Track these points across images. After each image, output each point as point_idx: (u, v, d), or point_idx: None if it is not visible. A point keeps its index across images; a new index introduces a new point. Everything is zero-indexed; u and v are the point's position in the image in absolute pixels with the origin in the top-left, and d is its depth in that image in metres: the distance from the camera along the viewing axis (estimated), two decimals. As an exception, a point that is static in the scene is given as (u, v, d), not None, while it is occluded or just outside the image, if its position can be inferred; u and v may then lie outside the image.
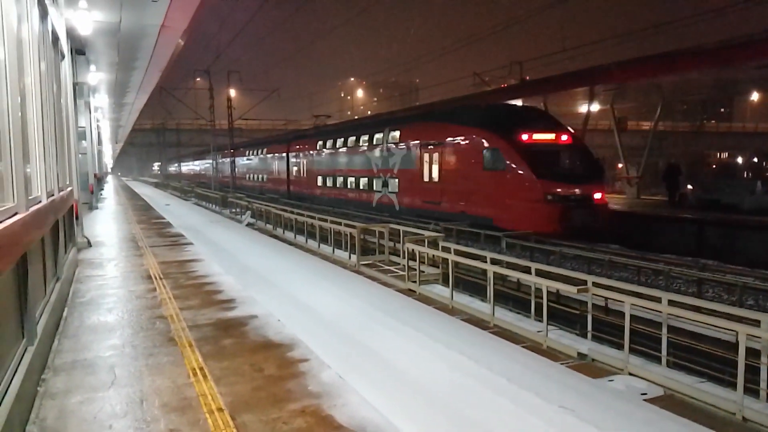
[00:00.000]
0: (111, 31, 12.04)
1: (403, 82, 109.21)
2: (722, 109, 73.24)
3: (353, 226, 14.71)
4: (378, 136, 23.72)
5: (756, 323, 6.08)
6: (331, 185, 28.46)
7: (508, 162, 16.04)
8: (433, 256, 12.00)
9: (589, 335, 8.00)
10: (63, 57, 10.21)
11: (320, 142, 30.00)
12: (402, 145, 21.53)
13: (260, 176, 41.87)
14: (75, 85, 13.69)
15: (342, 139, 27.47)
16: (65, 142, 9.84)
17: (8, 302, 4.27)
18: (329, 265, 14.15)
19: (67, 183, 9.76)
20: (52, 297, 6.48)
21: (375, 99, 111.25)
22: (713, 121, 65.28)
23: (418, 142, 20.43)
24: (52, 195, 6.92)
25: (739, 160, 53.78)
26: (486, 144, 16.86)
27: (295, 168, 34.07)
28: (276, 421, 4.16)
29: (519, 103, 28.22)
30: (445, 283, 10.98)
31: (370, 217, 21.49)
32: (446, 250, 11.48)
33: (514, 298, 10.93)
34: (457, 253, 11.27)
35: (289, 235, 19.86)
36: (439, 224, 16.57)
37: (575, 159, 16.55)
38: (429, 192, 19.58)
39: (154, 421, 4.15)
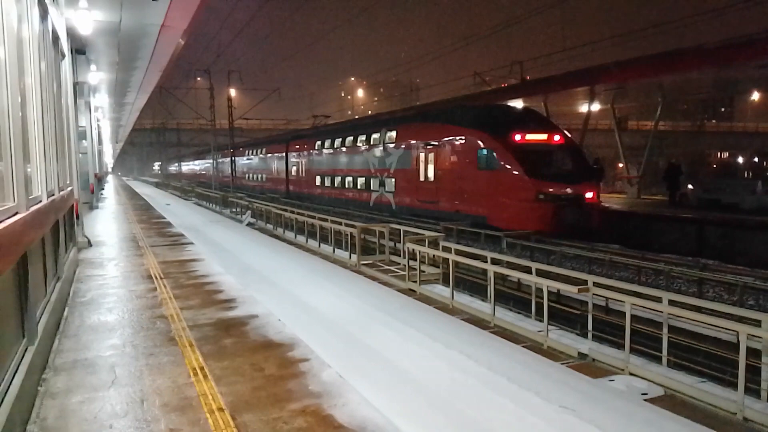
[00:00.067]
0: (111, 31, 12.04)
1: (403, 82, 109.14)
2: (723, 109, 73.19)
3: (353, 226, 14.71)
4: (375, 136, 23.94)
5: (757, 323, 6.08)
6: (329, 185, 28.66)
7: (501, 162, 16.35)
8: (434, 255, 12.00)
9: (590, 335, 8.00)
10: (63, 57, 10.21)
11: (318, 142, 30.17)
12: (398, 146, 21.79)
13: (259, 176, 41.93)
14: (75, 84, 13.69)
15: (340, 139, 27.68)
16: (66, 142, 9.84)
17: (9, 302, 4.27)
18: (329, 265, 14.15)
19: (68, 182, 9.76)
20: (53, 296, 6.48)
21: (375, 99, 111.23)
22: (714, 121, 65.25)
23: (414, 142, 20.71)
24: (53, 195, 6.93)
25: (740, 159, 53.76)
26: (480, 144, 17.15)
27: (293, 168, 34.23)
28: (276, 420, 4.16)
29: (520, 102, 28.22)
30: (446, 282, 10.98)
31: (369, 216, 21.55)
32: (447, 249, 11.48)
33: (514, 297, 10.94)
34: (458, 252, 11.28)
35: (290, 234, 19.87)
36: (440, 224, 16.63)
37: (567, 159, 16.86)
38: (425, 191, 19.85)
39: (155, 421, 4.15)
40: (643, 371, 6.91)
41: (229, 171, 44.27)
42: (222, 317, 6.98)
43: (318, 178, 29.96)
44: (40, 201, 5.80)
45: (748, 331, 5.91)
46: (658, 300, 7.08)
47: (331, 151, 28.48)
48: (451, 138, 18.52)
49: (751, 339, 5.96)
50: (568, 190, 15.72)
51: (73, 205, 10.65)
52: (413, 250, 11.61)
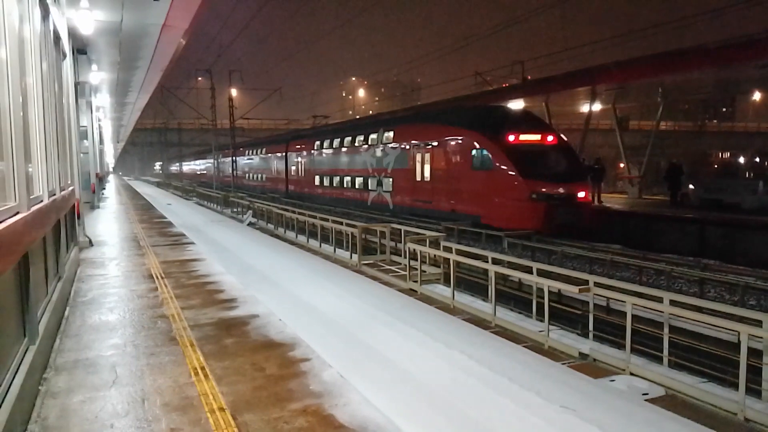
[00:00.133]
0: (113, 31, 12.04)
1: (404, 82, 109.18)
2: (724, 109, 73.09)
3: (354, 226, 14.71)
4: (373, 136, 24.20)
5: (758, 323, 6.07)
6: (328, 184, 28.89)
7: (495, 162, 16.60)
8: (435, 255, 12.00)
9: (591, 335, 7.99)
10: (64, 56, 10.22)
11: (317, 142, 30.41)
12: (395, 146, 22.08)
13: (259, 176, 42.05)
14: (76, 84, 13.68)
15: (338, 140, 27.92)
16: (67, 142, 9.85)
17: (10, 301, 4.27)
18: (330, 265, 14.15)
19: (69, 182, 9.77)
20: (54, 296, 6.49)
21: (376, 99, 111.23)
22: (715, 121, 65.18)
23: (410, 142, 20.98)
24: (54, 194, 6.93)
25: (741, 160, 53.66)
26: (474, 145, 17.41)
27: (293, 167, 34.45)
28: (277, 420, 4.16)
29: (521, 102, 28.22)
30: (447, 282, 10.98)
31: (370, 216, 21.61)
32: (447, 249, 11.48)
33: (515, 297, 10.94)
34: (459, 252, 11.27)
35: (291, 234, 19.88)
36: (441, 224, 16.68)
37: (560, 159, 17.11)
38: (421, 191, 20.12)
39: (156, 421, 4.15)
40: (644, 371, 6.90)
41: (229, 171, 44.30)
42: (223, 317, 6.99)
43: (317, 178, 30.19)
44: (42, 201, 5.81)
45: (749, 332, 5.90)
46: (659, 300, 7.08)
47: (330, 151, 28.72)
48: (446, 138, 18.78)
49: (752, 339, 5.95)
50: (561, 190, 15.99)
51: (74, 205, 10.65)
52: (414, 250, 11.61)
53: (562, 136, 18.64)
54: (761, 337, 5.99)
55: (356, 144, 25.76)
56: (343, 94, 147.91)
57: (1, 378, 3.74)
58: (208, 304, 7.66)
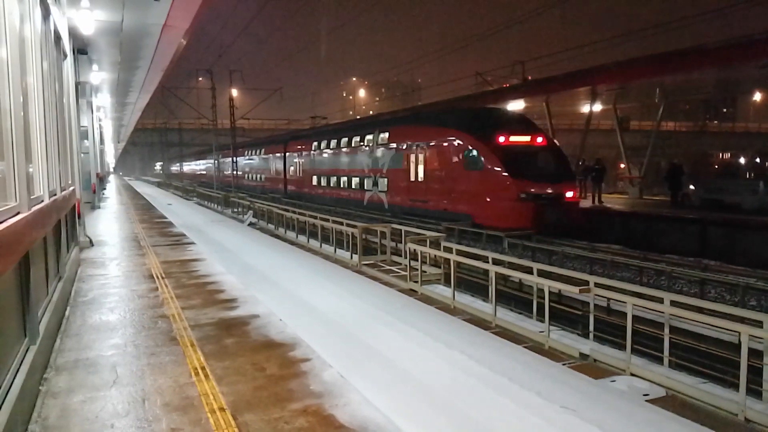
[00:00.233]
0: (113, 31, 12.04)
1: (405, 82, 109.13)
2: (725, 110, 73.04)
3: (355, 226, 14.71)
4: (369, 137, 24.59)
5: (758, 324, 6.08)
6: (325, 184, 29.24)
7: (485, 163, 17.11)
8: (435, 256, 11.99)
9: (591, 335, 7.99)
10: (65, 56, 10.22)
11: (315, 143, 30.76)
12: (390, 146, 22.52)
13: (259, 176, 42.24)
14: (77, 84, 13.68)
15: (335, 140, 28.34)
16: (67, 142, 9.85)
17: (11, 301, 4.27)
18: (331, 265, 14.15)
19: (70, 182, 9.77)
20: (55, 296, 6.49)
21: (377, 99, 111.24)
22: (715, 121, 65.13)
23: (404, 143, 21.41)
24: (55, 194, 6.93)
25: (742, 160, 53.60)
26: (466, 146, 17.89)
27: (291, 168, 34.76)
28: (278, 420, 4.16)
29: (521, 103, 28.26)
30: (447, 283, 10.97)
31: (369, 216, 21.69)
32: (448, 250, 11.48)
33: (516, 298, 10.94)
34: (459, 253, 11.28)
35: (291, 235, 19.88)
36: (441, 224, 16.73)
37: (549, 160, 17.65)
38: (415, 191, 20.57)
39: (156, 421, 4.16)
40: (645, 372, 6.90)
41: (229, 171, 44.29)
42: (223, 317, 6.99)
43: (315, 178, 30.56)
44: (42, 201, 5.81)
45: (750, 332, 5.90)
46: (660, 300, 7.07)
47: (327, 151, 29.11)
48: (439, 140, 19.27)
49: (752, 340, 5.95)
50: (549, 190, 16.52)
51: (74, 205, 10.66)
52: (414, 250, 11.61)
53: (551, 137, 19.31)
54: (762, 338, 5.98)
55: (353, 145, 26.15)
56: (344, 95, 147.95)
57: (2, 378, 3.74)
58: (209, 304, 7.66)
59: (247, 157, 45.33)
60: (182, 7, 10.49)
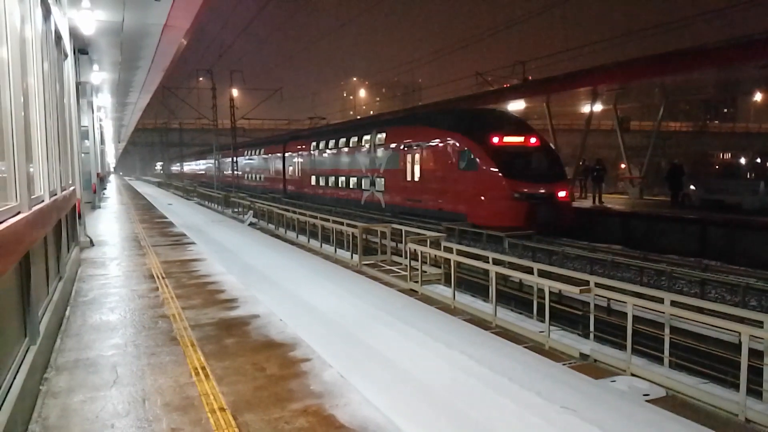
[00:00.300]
0: (114, 31, 12.04)
1: (405, 82, 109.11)
2: (725, 110, 73.02)
3: (355, 226, 14.72)
4: (366, 137, 24.83)
5: (759, 324, 6.07)
6: (323, 184, 29.50)
7: (479, 163, 17.40)
8: (435, 256, 11.99)
9: (592, 336, 7.99)
10: (66, 56, 10.23)
11: (314, 143, 31.01)
12: (387, 147, 22.83)
13: (258, 176, 42.40)
14: (78, 84, 13.68)
15: (334, 141, 28.62)
16: (68, 142, 9.85)
17: (11, 301, 4.28)
18: (331, 265, 14.15)
19: (70, 182, 9.78)
20: (55, 296, 6.49)
21: (377, 99, 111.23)
22: (716, 122, 65.13)
23: (401, 144, 21.72)
24: (55, 194, 6.94)
25: (742, 160, 53.58)
26: (461, 146, 18.18)
27: (290, 168, 34.99)
28: (278, 420, 4.16)
29: (521, 103, 28.27)
30: (447, 283, 10.98)
31: (368, 216, 21.75)
32: (448, 250, 11.48)
33: (516, 298, 10.94)
34: (459, 253, 11.28)
35: (291, 235, 19.89)
36: (441, 224, 16.77)
37: (542, 160, 17.96)
38: (411, 191, 20.89)
39: (156, 421, 4.16)
40: (645, 372, 6.90)
41: (229, 171, 44.30)
42: (224, 317, 6.99)
43: (313, 178, 30.82)
44: (43, 200, 5.82)
45: (750, 332, 5.90)
46: (660, 301, 7.07)
47: (326, 151, 29.36)
48: (435, 140, 19.58)
49: (753, 340, 5.95)
50: (542, 190, 16.80)
51: (75, 205, 10.67)
52: (415, 250, 11.61)
53: (544, 138, 19.54)
54: (762, 338, 5.98)
55: (350, 145, 26.41)
56: (344, 95, 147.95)
57: (2, 378, 3.75)
58: (209, 304, 7.67)
59: (247, 157, 45.42)
60: (183, 7, 10.50)
